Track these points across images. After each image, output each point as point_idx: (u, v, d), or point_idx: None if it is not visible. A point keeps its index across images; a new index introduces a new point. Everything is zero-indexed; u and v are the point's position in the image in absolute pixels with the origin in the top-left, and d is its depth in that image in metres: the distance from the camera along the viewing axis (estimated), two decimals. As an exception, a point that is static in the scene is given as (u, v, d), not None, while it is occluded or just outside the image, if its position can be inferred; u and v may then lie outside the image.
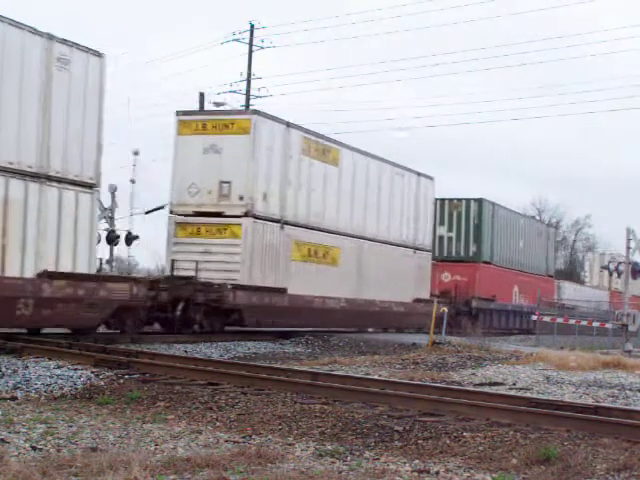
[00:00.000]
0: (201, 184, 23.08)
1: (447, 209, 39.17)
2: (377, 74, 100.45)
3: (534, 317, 36.42)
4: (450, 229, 39.32)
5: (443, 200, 38.69)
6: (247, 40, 42.80)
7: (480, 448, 8.52)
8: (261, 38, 43.06)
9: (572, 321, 34.89)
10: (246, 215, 22.84)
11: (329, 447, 8.59)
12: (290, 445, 8.66)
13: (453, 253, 39.22)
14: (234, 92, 42.50)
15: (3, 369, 13.52)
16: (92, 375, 12.96)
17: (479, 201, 39.42)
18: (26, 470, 6.90)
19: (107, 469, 7.01)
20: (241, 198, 22.79)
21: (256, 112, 24.06)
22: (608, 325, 33.75)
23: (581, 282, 66.99)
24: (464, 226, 39.12)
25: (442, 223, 38.99)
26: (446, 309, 26.65)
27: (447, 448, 8.57)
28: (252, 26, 42.98)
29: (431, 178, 32.52)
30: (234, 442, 8.75)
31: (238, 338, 23.28)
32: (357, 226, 27.64)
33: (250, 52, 42.77)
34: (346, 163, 26.79)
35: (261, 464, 7.65)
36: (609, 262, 35.30)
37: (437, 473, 7.64)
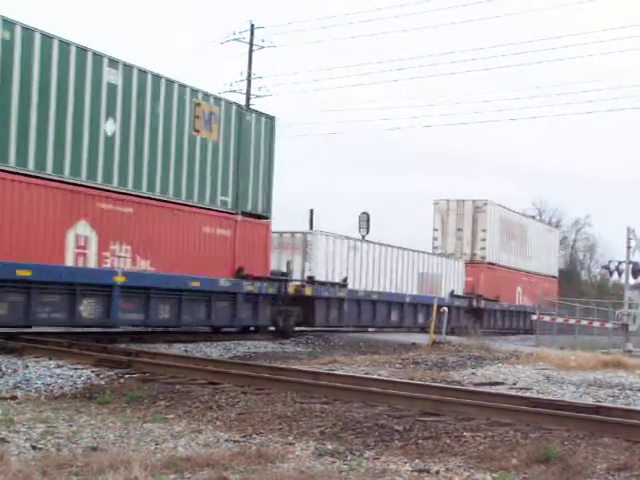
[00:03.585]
0: None
1: None
2: (375, 74, 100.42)
3: (534, 317, 36.29)
4: None
5: None
6: (247, 40, 42.80)
7: (480, 448, 8.52)
8: (261, 38, 43.07)
9: (572, 321, 34.87)
10: None
11: (329, 447, 8.59)
12: (290, 444, 8.67)
13: None
14: (234, 92, 42.50)
15: (3, 368, 13.54)
16: (92, 374, 12.97)
17: None
18: (26, 469, 6.91)
19: (107, 468, 7.01)
20: None
21: None
22: (609, 325, 33.73)
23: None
24: None
25: None
26: (446, 309, 26.62)
27: (447, 448, 8.58)
28: (252, 26, 42.99)
29: None
30: (234, 441, 8.76)
31: (238, 338, 23.35)
32: None
33: (250, 52, 42.77)
34: None
35: (261, 463, 7.66)
36: (609, 262, 35.24)
37: (437, 473, 7.64)
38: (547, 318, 35.64)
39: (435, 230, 42.16)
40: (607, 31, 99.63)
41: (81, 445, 8.30)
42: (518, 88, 71.88)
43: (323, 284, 27.58)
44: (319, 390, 11.58)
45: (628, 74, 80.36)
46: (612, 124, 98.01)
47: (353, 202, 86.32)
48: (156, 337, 21.65)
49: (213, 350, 20.23)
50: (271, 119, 24.80)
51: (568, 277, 72.01)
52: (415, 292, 33.79)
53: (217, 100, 22.90)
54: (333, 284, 28.17)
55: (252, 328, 25.55)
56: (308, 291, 26.64)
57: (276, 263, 26.38)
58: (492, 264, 41.87)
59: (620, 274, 32.46)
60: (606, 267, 35.67)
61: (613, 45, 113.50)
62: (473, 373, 16.32)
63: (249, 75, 42.72)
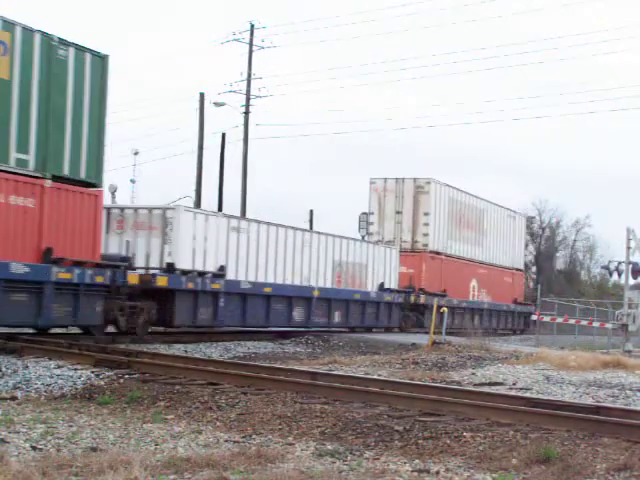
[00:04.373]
0: None
1: None
2: (377, 74, 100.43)
3: (534, 317, 36.19)
4: None
5: None
6: (247, 40, 42.78)
7: (480, 448, 8.52)
8: (261, 38, 43.02)
9: (572, 321, 34.88)
10: None
11: (329, 447, 8.59)
12: (290, 445, 8.67)
13: None
14: (234, 92, 42.52)
15: (3, 369, 13.54)
16: (92, 375, 12.97)
17: None
18: (26, 470, 6.91)
19: (107, 469, 7.02)
20: None
21: None
22: (608, 325, 33.74)
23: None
24: None
25: None
26: (446, 309, 26.51)
27: (447, 448, 8.58)
28: (252, 26, 42.94)
29: None
30: (234, 442, 8.76)
31: (239, 338, 23.36)
32: None
33: (250, 52, 42.75)
34: None
35: (261, 464, 7.66)
36: (609, 262, 35.23)
37: (437, 473, 7.64)
38: (547, 318, 35.60)
39: (371, 214, 36.13)
40: (610, 31, 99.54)
41: (81, 446, 8.30)
42: (521, 88, 71.71)
43: (186, 273, 21.73)
44: (319, 390, 11.58)
45: (630, 74, 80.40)
46: (614, 124, 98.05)
47: (355, 202, 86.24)
48: (156, 337, 21.67)
49: (213, 350, 20.25)
50: (101, 57, 18.43)
51: (568, 277, 71.96)
52: (329, 285, 27.63)
53: (9, 25, 16.53)
54: (203, 273, 22.30)
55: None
56: (162, 281, 20.81)
57: (131, 247, 21.67)
58: (438, 253, 36.04)
59: (620, 274, 32.45)
60: (606, 267, 35.64)
61: (616, 45, 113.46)
62: (473, 373, 16.32)
63: (249, 75, 42.69)
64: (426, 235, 35.39)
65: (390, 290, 30.91)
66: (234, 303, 23.47)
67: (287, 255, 25.78)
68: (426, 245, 35.33)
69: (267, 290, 24.65)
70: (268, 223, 25.40)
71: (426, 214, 35.39)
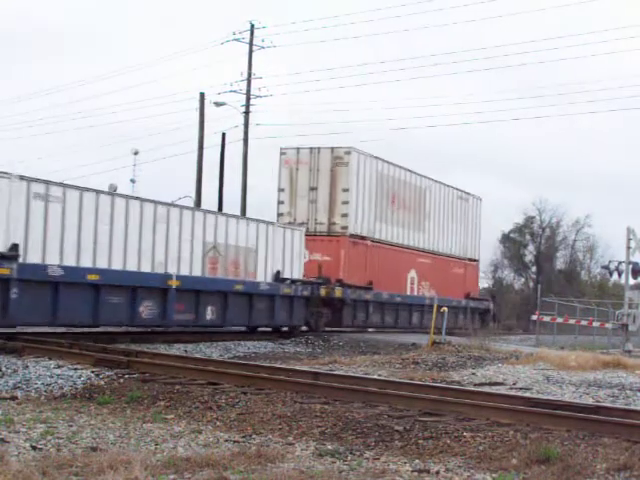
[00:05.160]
0: None
1: None
2: (377, 74, 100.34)
3: (534, 317, 36.20)
4: None
5: None
6: (247, 40, 42.79)
7: (480, 448, 8.52)
8: (261, 38, 43.03)
9: (572, 321, 34.86)
10: None
11: (329, 447, 8.59)
12: (290, 445, 8.67)
13: None
14: (234, 92, 42.53)
15: (3, 369, 13.55)
16: (92, 375, 12.98)
17: None
18: (26, 470, 6.91)
19: (107, 469, 7.02)
20: None
21: None
22: (608, 325, 33.74)
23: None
24: None
25: None
26: (446, 309, 26.46)
27: (447, 448, 8.57)
28: (252, 26, 42.94)
29: None
30: (234, 442, 8.76)
31: (239, 338, 23.35)
32: None
33: (250, 52, 42.74)
34: None
35: (261, 464, 7.65)
36: (609, 262, 35.21)
37: (437, 473, 7.64)
38: (548, 318, 35.59)
39: (281, 191, 29.99)
40: (610, 31, 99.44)
41: (81, 445, 8.30)
42: (520, 88, 71.67)
43: None
44: (319, 390, 11.58)
45: (630, 74, 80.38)
46: (614, 124, 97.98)
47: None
48: (156, 337, 21.67)
49: (213, 350, 20.25)
50: None
51: (568, 277, 72.00)
52: (198, 273, 22.23)
53: None
54: None
55: None
56: None
57: None
58: (362, 238, 30.06)
59: (620, 274, 32.45)
60: (606, 267, 35.61)
61: (616, 45, 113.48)
62: (473, 373, 16.33)
63: (249, 75, 42.70)
64: (345, 216, 29.22)
65: (291, 281, 25.28)
66: (38, 294, 17.93)
67: (130, 234, 20.15)
68: (346, 228, 29.17)
69: (93, 278, 19.07)
70: (97, 191, 19.68)
71: (345, 190, 29.29)
